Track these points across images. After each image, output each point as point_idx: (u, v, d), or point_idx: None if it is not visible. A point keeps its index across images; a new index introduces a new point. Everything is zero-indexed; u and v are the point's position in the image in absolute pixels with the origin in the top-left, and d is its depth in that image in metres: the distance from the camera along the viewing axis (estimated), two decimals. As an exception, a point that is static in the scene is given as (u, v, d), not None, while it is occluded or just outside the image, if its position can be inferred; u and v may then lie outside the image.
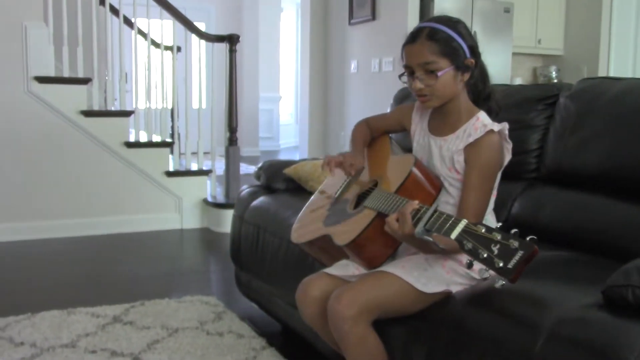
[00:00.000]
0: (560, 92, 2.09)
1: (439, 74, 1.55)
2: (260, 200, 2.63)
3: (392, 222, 1.44)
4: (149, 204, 4.51)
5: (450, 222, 1.30)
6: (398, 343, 1.59)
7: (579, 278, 1.57)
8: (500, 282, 1.19)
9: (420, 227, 1.36)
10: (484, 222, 1.56)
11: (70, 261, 3.74)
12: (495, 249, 1.19)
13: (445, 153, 1.62)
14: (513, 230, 1.20)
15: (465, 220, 1.28)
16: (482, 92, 1.67)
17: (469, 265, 1.26)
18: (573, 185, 1.96)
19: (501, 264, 1.17)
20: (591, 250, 1.80)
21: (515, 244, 1.17)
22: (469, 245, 1.23)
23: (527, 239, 1.18)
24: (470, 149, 1.57)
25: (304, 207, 1.98)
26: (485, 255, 1.20)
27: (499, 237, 1.20)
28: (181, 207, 4.60)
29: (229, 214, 3.44)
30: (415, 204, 1.42)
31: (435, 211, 1.36)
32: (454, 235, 1.27)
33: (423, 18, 5.22)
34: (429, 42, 1.55)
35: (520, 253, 1.16)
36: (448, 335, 1.47)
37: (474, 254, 1.22)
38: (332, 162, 1.79)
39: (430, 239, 1.35)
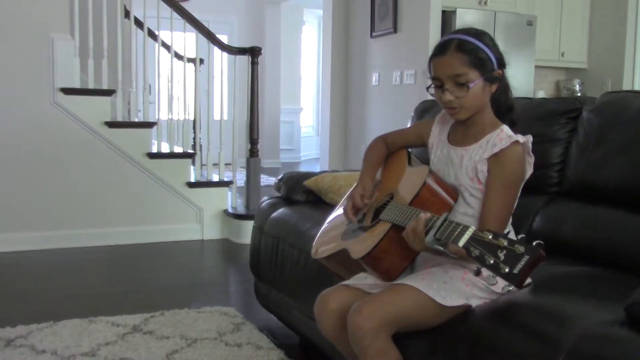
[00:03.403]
0: (583, 105, 2.07)
1: (471, 85, 1.54)
2: (280, 211, 2.64)
3: (409, 234, 1.44)
4: (170, 214, 4.54)
5: (458, 230, 1.30)
6: (418, 357, 1.58)
7: (601, 294, 1.54)
8: (507, 288, 1.20)
9: (430, 236, 1.37)
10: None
11: (91, 270, 3.78)
12: (501, 255, 1.19)
13: (467, 163, 1.61)
14: (520, 236, 1.20)
15: (472, 227, 1.28)
16: (504, 104, 1.66)
17: (477, 272, 1.26)
18: (596, 200, 1.94)
19: (507, 270, 1.17)
20: (614, 266, 1.77)
21: (521, 249, 1.17)
22: (476, 252, 1.24)
23: (534, 243, 1.17)
24: (494, 160, 1.57)
25: (324, 224, 1.99)
26: (491, 261, 1.20)
27: (505, 243, 1.20)
28: (202, 218, 4.63)
29: (249, 225, 3.45)
30: (428, 214, 1.42)
31: (445, 220, 1.36)
32: (461, 242, 1.27)
33: (445, 31, 5.23)
34: (459, 54, 1.55)
35: (525, 258, 1.16)
36: (468, 349, 1.46)
37: (481, 261, 1.22)
38: (348, 213, 1.78)
39: (441, 248, 1.36)
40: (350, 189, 1.88)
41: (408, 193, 1.60)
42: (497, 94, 1.62)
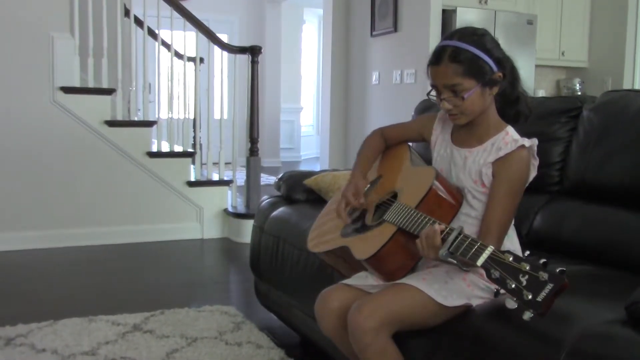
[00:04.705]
0: (583, 104, 2.07)
1: (465, 95, 1.53)
2: (281, 210, 2.64)
3: (422, 244, 1.43)
4: (171, 213, 4.54)
5: (475, 247, 1.28)
6: (418, 356, 1.57)
7: (602, 293, 1.54)
8: (529, 314, 1.16)
9: (444, 250, 1.34)
10: (505, 237, 1.56)
11: (92, 269, 3.78)
12: (523, 280, 1.16)
13: (471, 165, 1.60)
14: (542, 260, 1.17)
15: (491, 247, 1.26)
16: (510, 96, 1.63)
17: (496, 294, 1.24)
18: (596, 198, 1.94)
19: (530, 297, 1.15)
20: (614, 265, 1.77)
21: (545, 276, 1.14)
22: (496, 274, 1.21)
23: (557, 270, 1.15)
24: (499, 164, 1.56)
25: (320, 215, 1.97)
26: (513, 285, 1.17)
27: (527, 267, 1.17)
28: (202, 217, 4.63)
29: (249, 224, 3.45)
30: (442, 226, 1.40)
31: (459, 234, 1.34)
32: (480, 262, 1.25)
33: (445, 30, 5.22)
34: (453, 64, 1.53)
35: (550, 286, 1.14)
36: (469, 349, 1.45)
37: (502, 284, 1.20)
38: (341, 212, 1.73)
39: (454, 262, 1.34)
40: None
41: (414, 195, 1.59)
42: (502, 91, 1.60)
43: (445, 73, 1.54)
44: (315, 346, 2.25)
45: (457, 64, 1.52)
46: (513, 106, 1.64)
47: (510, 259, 1.20)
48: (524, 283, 1.16)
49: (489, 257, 1.24)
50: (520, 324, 1.37)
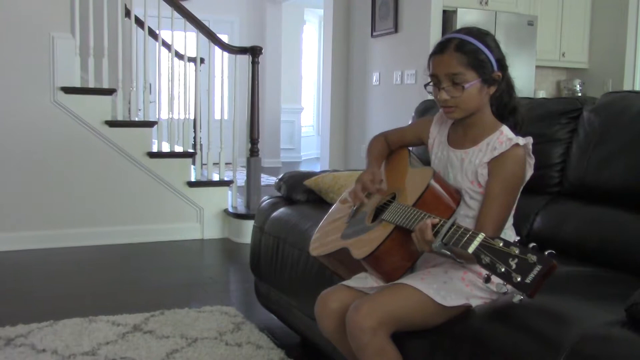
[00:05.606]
0: (584, 105, 2.07)
1: (466, 86, 1.54)
2: (281, 211, 2.64)
3: (416, 236, 1.44)
4: (171, 213, 4.54)
5: (467, 235, 1.29)
6: (418, 357, 1.57)
7: (602, 294, 1.54)
8: (519, 297, 1.19)
9: (437, 241, 1.36)
10: (502, 236, 1.56)
11: (92, 269, 3.78)
12: (513, 264, 1.18)
13: (467, 166, 1.61)
14: (531, 244, 1.19)
15: (482, 234, 1.27)
16: (507, 105, 1.65)
17: (487, 280, 1.25)
18: (596, 200, 1.94)
19: (519, 279, 1.16)
20: (614, 266, 1.77)
21: (534, 258, 1.16)
22: (486, 260, 1.22)
23: (546, 253, 1.16)
24: (495, 163, 1.56)
25: (323, 220, 1.98)
26: (502, 269, 1.19)
27: (516, 251, 1.19)
28: (202, 217, 4.63)
29: (249, 225, 3.45)
30: (436, 220, 1.41)
31: (452, 224, 1.35)
32: (471, 249, 1.26)
33: (445, 31, 5.22)
34: (457, 54, 1.55)
35: (538, 268, 1.15)
36: (468, 350, 1.45)
37: (492, 268, 1.21)
38: (358, 193, 1.75)
39: (448, 253, 1.35)
40: (353, 185, 1.85)
41: (411, 194, 1.60)
42: (499, 95, 1.62)
43: (450, 62, 1.55)
44: (315, 347, 2.25)
45: (462, 53, 1.55)
46: (511, 116, 1.65)
47: (501, 244, 1.22)
48: (513, 266, 1.18)
49: (480, 244, 1.25)
50: (519, 325, 1.37)
